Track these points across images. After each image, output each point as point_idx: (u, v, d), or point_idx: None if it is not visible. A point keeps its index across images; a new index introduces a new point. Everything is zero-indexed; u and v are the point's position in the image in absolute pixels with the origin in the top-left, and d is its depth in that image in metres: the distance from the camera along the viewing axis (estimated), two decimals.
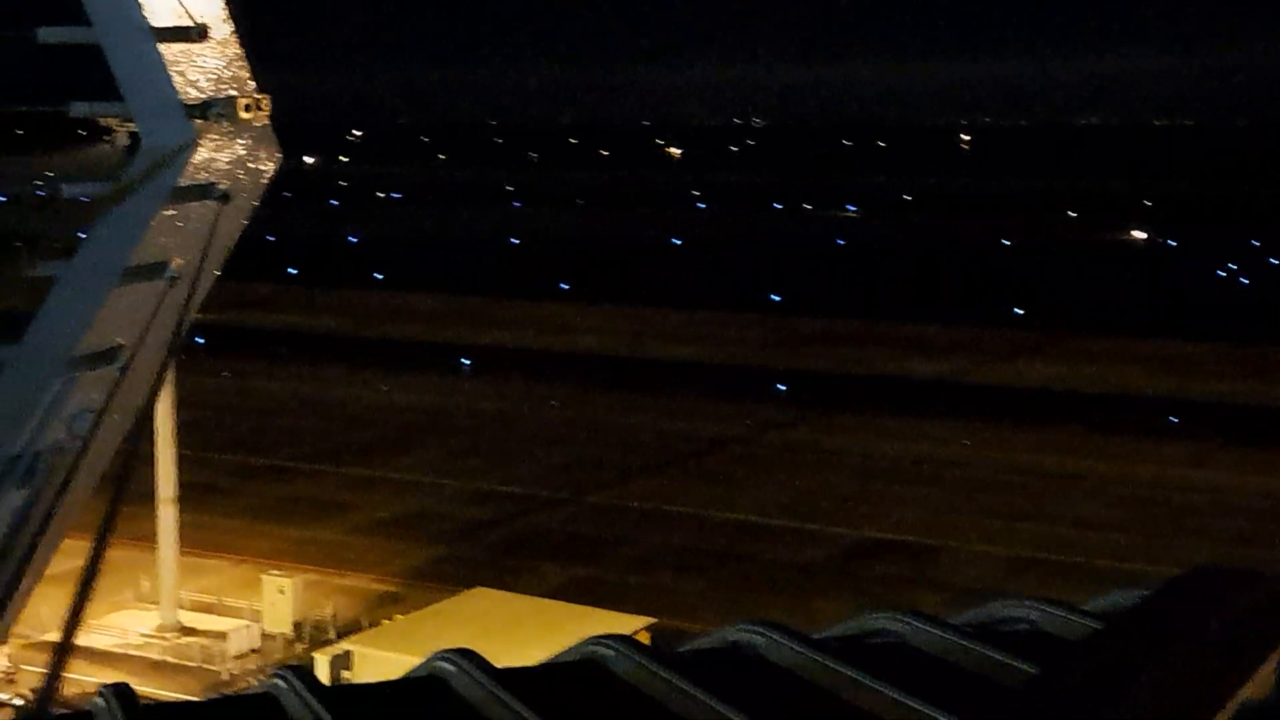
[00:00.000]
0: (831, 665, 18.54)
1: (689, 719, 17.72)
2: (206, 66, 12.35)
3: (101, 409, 12.03)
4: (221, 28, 12.33)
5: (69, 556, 9.39)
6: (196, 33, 12.28)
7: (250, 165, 12.65)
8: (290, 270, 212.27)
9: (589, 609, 76.97)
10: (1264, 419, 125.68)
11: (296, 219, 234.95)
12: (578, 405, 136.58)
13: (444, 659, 19.57)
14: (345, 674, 70.48)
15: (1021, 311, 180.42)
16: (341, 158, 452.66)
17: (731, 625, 21.25)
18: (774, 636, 19.85)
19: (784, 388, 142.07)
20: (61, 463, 12.05)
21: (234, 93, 12.43)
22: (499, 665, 19.31)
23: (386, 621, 79.74)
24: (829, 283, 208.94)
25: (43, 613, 62.32)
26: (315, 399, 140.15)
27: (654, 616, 77.02)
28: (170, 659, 78.34)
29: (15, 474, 12.24)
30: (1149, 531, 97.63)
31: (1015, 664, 17.98)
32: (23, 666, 72.31)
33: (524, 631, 69.53)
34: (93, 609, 79.76)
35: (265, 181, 12.83)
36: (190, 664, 77.56)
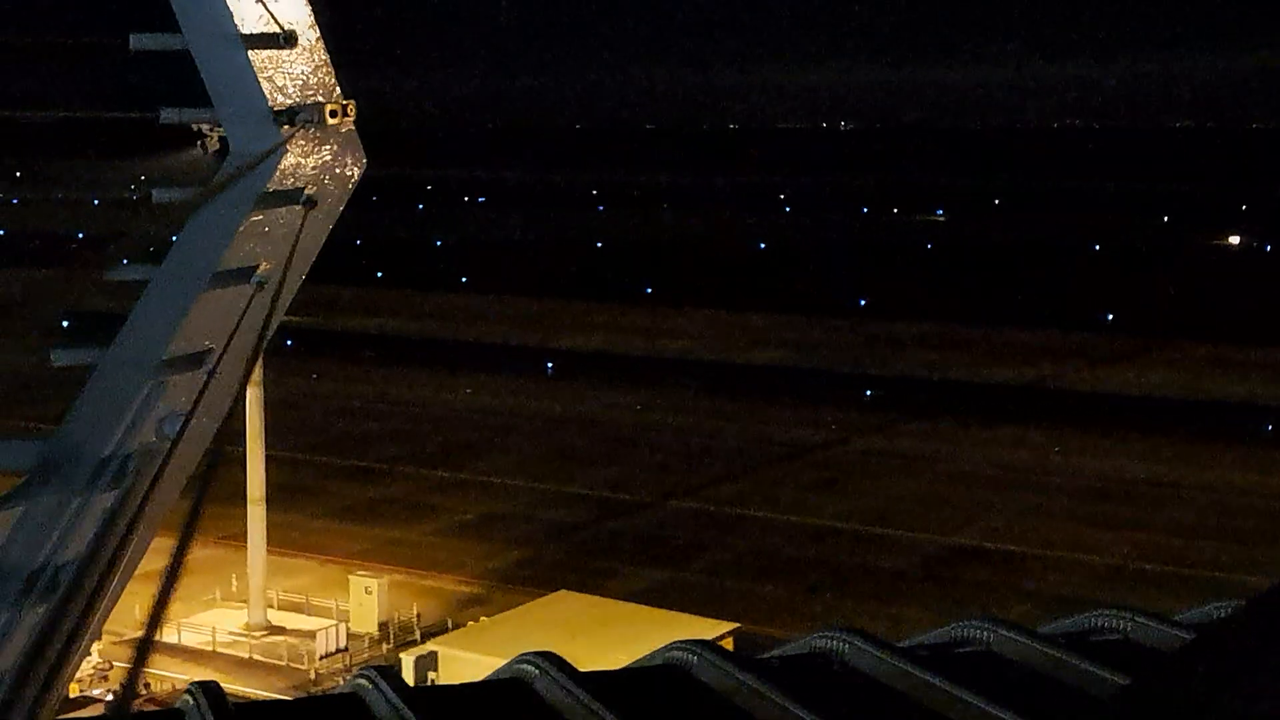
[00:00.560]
0: (917, 674, 18.37)
1: None
2: (294, 73, 12.45)
3: (190, 411, 12.15)
4: (308, 34, 12.42)
5: (161, 555, 9.46)
6: (284, 39, 12.37)
7: (336, 171, 12.74)
8: (377, 274, 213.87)
9: (672, 613, 76.93)
10: None
11: (384, 223, 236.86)
12: (661, 409, 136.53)
13: (527, 661, 19.61)
14: (431, 675, 70.85)
15: (1112, 317, 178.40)
16: (427, 162, 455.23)
17: (816, 632, 21.12)
18: (859, 644, 19.71)
19: (870, 393, 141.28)
20: (150, 464, 12.19)
21: (320, 99, 12.52)
22: (582, 668, 19.32)
23: (471, 623, 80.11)
24: (916, 287, 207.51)
25: (135, 610, 63.29)
26: (401, 401, 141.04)
27: (737, 622, 76.86)
28: (258, 657, 79.09)
29: (106, 475, 12.39)
30: (1244, 541, 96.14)
31: (1106, 675, 17.74)
32: (115, 663, 73.25)
33: (607, 635, 69.55)
34: (183, 607, 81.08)
35: (351, 187, 12.91)
36: (278, 663, 78.26)
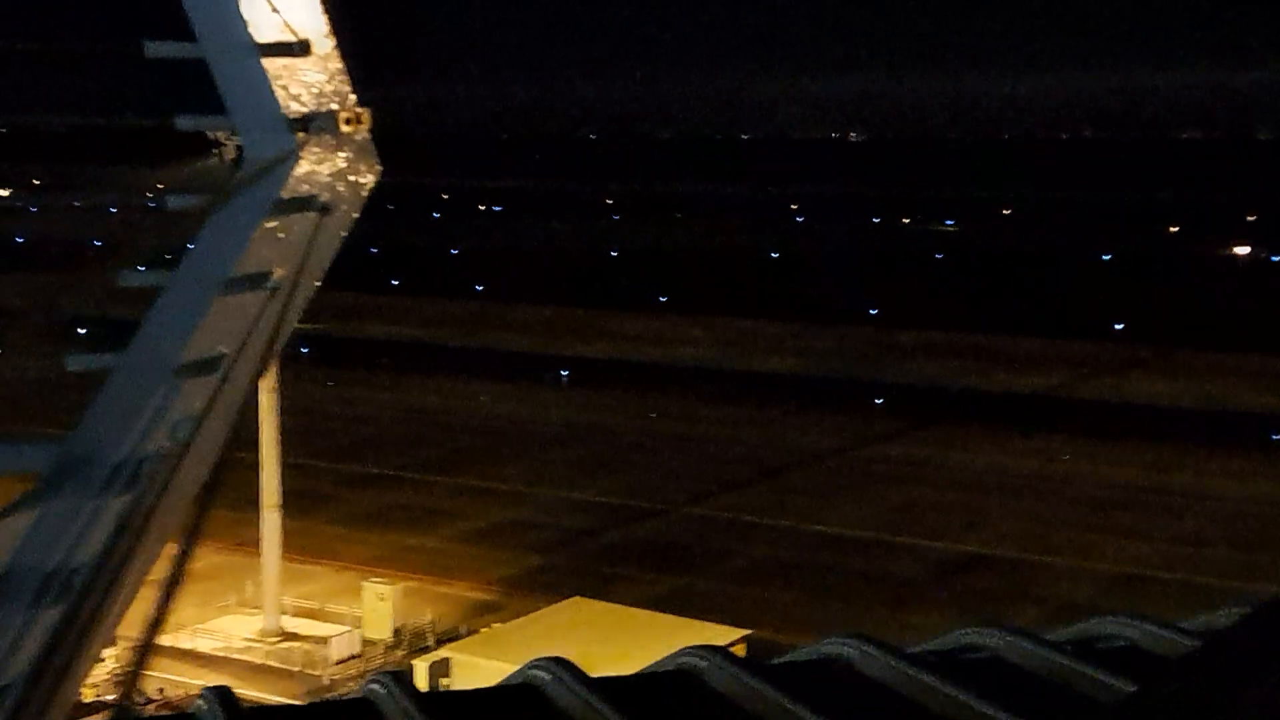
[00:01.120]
0: (926, 679, 18.42)
1: None
2: (308, 81, 12.54)
3: (202, 416, 12.24)
4: (323, 42, 12.52)
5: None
6: (299, 47, 12.47)
7: (350, 178, 12.83)
8: (393, 281, 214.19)
9: (684, 620, 77.04)
10: None
11: (400, 231, 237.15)
12: (675, 417, 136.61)
13: (539, 667, 19.67)
14: (444, 681, 70.98)
15: (1122, 326, 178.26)
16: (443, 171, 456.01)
17: (826, 638, 21.17)
18: (868, 650, 19.75)
19: (881, 401, 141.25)
20: (164, 469, 12.27)
21: (335, 106, 12.61)
22: (594, 674, 19.37)
23: (485, 629, 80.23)
24: (927, 296, 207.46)
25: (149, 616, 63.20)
26: (416, 408, 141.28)
27: (749, 628, 76.91)
28: (272, 663, 79.25)
29: (120, 480, 12.48)
30: (1251, 548, 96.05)
31: (1112, 681, 17.79)
32: (126, 669, 73.33)
33: (620, 641, 69.65)
34: (198, 613, 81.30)
35: (365, 194, 13.00)
36: (291, 669, 78.42)
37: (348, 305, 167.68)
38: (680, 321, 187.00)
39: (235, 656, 79.78)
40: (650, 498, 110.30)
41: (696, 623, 76.25)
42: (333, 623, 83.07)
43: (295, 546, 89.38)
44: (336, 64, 12.54)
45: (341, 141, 12.64)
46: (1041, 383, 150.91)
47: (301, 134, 12.46)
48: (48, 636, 12.04)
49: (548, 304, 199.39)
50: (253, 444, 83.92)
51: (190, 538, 8.55)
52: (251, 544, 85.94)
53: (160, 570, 10.87)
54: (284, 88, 12.39)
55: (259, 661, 79.47)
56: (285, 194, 12.51)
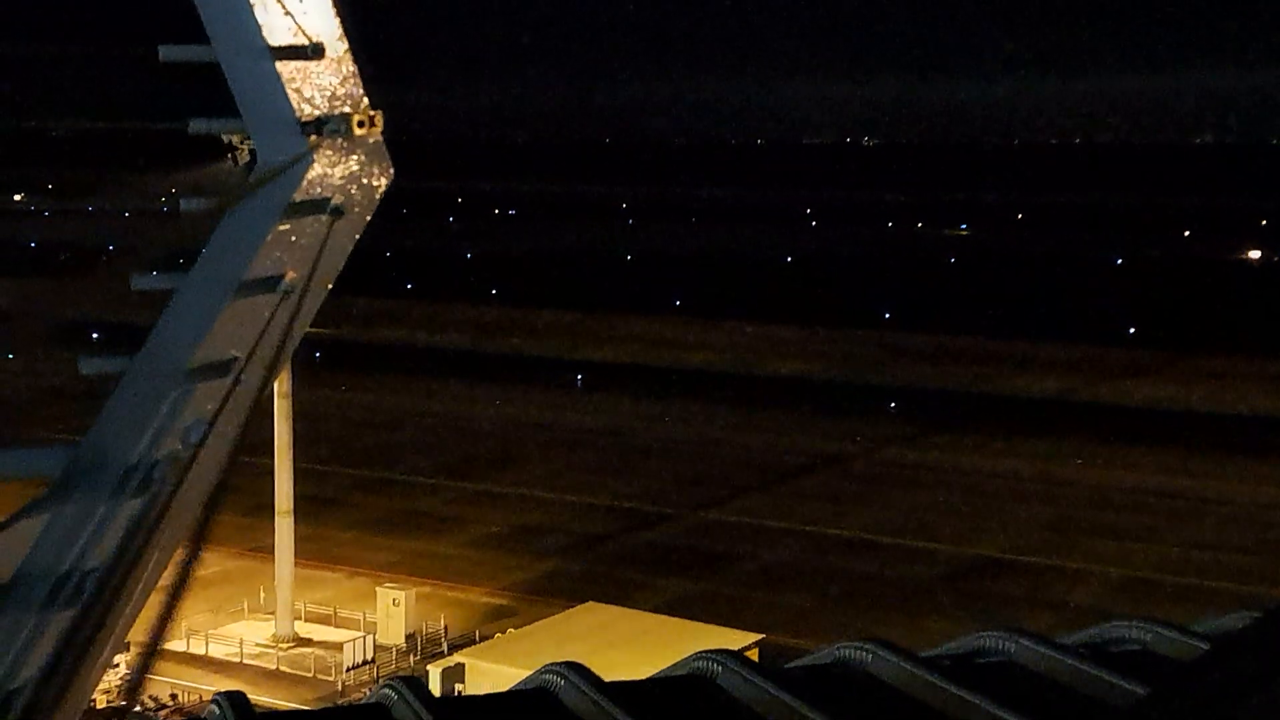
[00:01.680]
0: (939, 684, 18.40)
1: None
2: (321, 84, 12.55)
3: (213, 420, 12.24)
4: (336, 46, 12.52)
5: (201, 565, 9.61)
6: (312, 50, 12.47)
7: (363, 181, 12.83)
8: (406, 285, 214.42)
9: (698, 624, 76.98)
10: None
11: (413, 235, 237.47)
12: (689, 421, 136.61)
13: (552, 671, 19.66)
14: (458, 686, 70.95)
15: (1134, 330, 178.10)
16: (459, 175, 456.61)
17: (839, 642, 21.15)
18: (882, 654, 19.74)
19: (895, 404, 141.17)
20: (175, 473, 12.27)
21: (348, 109, 12.62)
22: (608, 679, 19.36)
23: (499, 635, 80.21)
24: (940, 300, 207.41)
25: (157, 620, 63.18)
26: (431, 413, 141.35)
27: (763, 632, 76.87)
28: (285, 669, 79.29)
29: (131, 483, 12.48)
30: (1264, 553, 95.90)
31: (1125, 685, 17.76)
32: (132, 673, 73.37)
33: (634, 646, 69.65)
34: (211, 619, 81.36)
35: (378, 197, 13.00)
36: (305, 674, 78.46)
37: (360, 309, 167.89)
38: (694, 325, 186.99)
39: (248, 662, 79.84)
40: (663, 502, 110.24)
41: (710, 627, 76.18)
42: (346, 628, 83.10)
43: (309, 552, 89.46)
44: (349, 67, 12.55)
45: (354, 144, 12.64)
46: (1054, 386, 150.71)
47: (314, 137, 12.47)
48: (60, 640, 12.05)
49: (562, 308, 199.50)
50: (266, 448, 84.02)
51: (199, 540, 8.55)
52: (265, 549, 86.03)
53: (172, 574, 10.89)
54: (297, 91, 12.40)
55: (272, 667, 79.52)
56: (298, 197, 12.52)
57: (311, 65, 12.43)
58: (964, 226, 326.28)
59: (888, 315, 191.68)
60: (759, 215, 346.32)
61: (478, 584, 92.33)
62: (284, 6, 12.21)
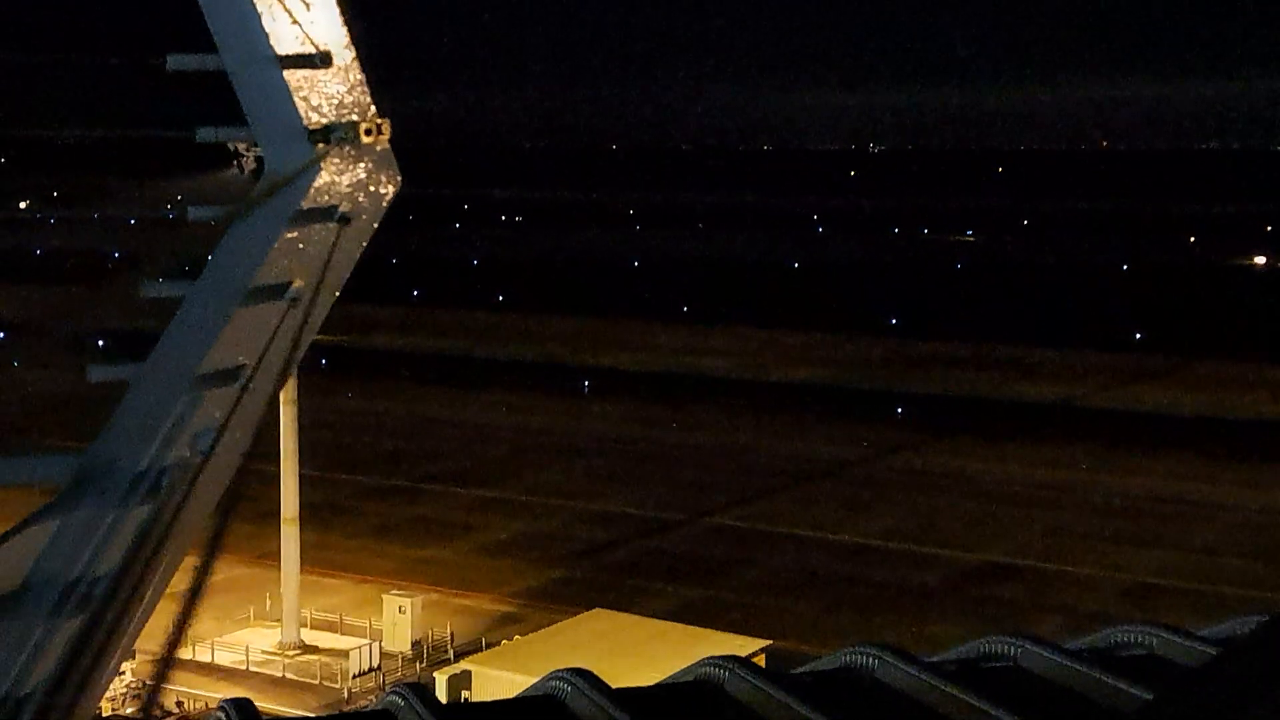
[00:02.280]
0: (946, 688, 18.43)
1: None
2: (329, 92, 12.59)
3: (222, 427, 12.29)
4: (344, 54, 12.56)
5: (192, 574, 9.65)
6: (320, 59, 12.51)
7: (371, 189, 12.87)
8: (413, 292, 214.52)
9: (706, 630, 76.86)
10: None
11: (420, 242, 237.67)
12: (696, 427, 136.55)
13: (559, 678, 19.70)
14: (464, 693, 70.87)
15: (1141, 336, 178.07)
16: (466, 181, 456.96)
17: (846, 648, 21.18)
18: (888, 659, 19.77)
19: (902, 410, 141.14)
20: (184, 479, 12.31)
21: (355, 117, 12.66)
22: (615, 685, 19.39)
23: (505, 642, 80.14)
24: (947, 306, 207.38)
25: (167, 629, 63.28)
26: (437, 420, 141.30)
27: (770, 638, 76.77)
28: (292, 676, 79.24)
29: (140, 490, 12.51)
30: (1270, 558, 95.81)
31: (1131, 689, 17.79)
32: (148, 682, 73.45)
33: (641, 652, 69.50)
34: (217, 626, 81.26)
35: (385, 205, 13.03)
36: (311, 681, 78.39)
37: (367, 316, 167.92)
38: (701, 331, 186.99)
39: (255, 669, 79.79)
40: (670, 508, 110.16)
41: (717, 633, 76.08)
42: (352, 635, 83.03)
43: (315, 559, 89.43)
44: (357, 75, 12.59)
45: (362, 152, 12.68)
46: (1061, 392, 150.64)
47: (322, 145, 12.50)
48: (68, 647, 12.08)
49: (569, 314, 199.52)
50: (272, 456, 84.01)
51: (213, 548, 8.61)
52: (271, 556, 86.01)
53: (180, 581, 10.92)
54: (304, 99, 12.44)
55: (278, 674, 79.48)
56: (305, 205, 12.56)
57: (319, 74, 12.47)
58: (970, 233, 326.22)
59: (894, 321, 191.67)
60: (766, 222, 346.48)
61: (484, 591, 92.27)
62: (291, 15, 12.25)
